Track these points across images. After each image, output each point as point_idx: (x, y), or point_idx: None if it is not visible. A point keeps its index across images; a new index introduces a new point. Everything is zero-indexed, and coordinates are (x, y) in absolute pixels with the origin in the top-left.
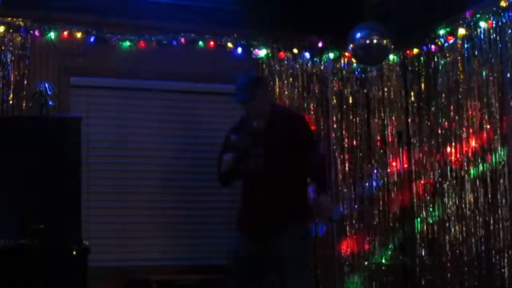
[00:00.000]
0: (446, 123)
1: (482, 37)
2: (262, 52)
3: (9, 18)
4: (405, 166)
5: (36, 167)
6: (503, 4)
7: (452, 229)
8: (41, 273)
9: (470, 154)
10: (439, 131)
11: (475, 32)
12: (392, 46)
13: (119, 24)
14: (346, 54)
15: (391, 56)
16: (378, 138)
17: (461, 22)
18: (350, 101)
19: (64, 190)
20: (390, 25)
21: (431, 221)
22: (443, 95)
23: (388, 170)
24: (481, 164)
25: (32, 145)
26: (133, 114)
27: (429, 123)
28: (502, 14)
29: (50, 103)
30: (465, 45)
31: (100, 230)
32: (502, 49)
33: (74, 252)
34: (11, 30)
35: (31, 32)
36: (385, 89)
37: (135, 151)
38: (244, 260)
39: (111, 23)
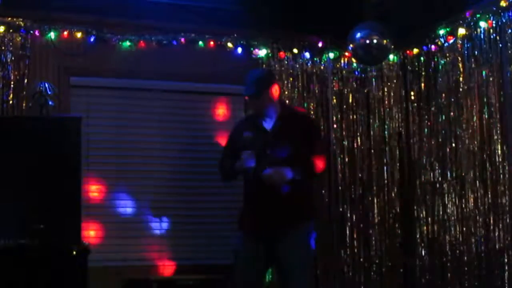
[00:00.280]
0: (446, 123)
1: (482, 37)
2: (262, 52)
3: (9, 18)
4: (405, 166)
5: (36, 167)
6: (503, 4)
7: (452, 229)
8: (41, 273)
9: (470, 154)
10: (439, 131)
11: (475, 32)
12: (392, 46)
13: (119, 24)
14: (346, 54)
15: (391, 56)
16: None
17: (461, 22)
18: (350, 101)
19: (64, 190)
20: (390, 25)
21: (431, 221)
22: (443, 95)
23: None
24: (481, 164)
25: (32, 145)
26: (133, 114)
27: (429, 123)
28: (502, 14)
29: (50, 103)
30: (465, 45)
31: (100, 230)
32: (502, 49)
33: (74, 252)
34: (11, 30)
35: (31, 32)
36: (385, 89)
37: (135, 151)
38: (246, 260)
39: (111, 23)
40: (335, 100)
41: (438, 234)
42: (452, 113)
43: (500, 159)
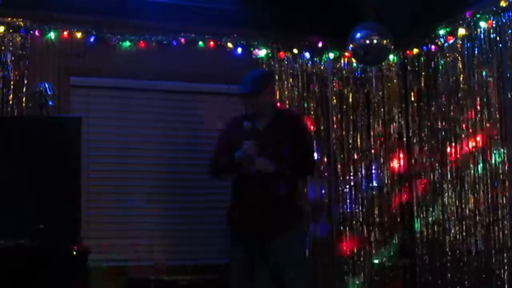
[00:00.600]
0: (446, 123)
1: (482, 37)
2: (262, 52)
3: (9, 18)
4: (405, 166)
5: (36, 167)
6: (503, 4)
7: (452, 229)
8: (41, 273)
9: (470, 154)
10: (439, 131)
11: (475, 32)
12: (392, 46)
13: (119, 24)
14: (346, 54)
15: (391, 56)
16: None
17: (461, 22)
18: (350, 101)
19: (64, 190)
20: (390, 25)
21: (431, 221)
22: (443, 95)
23: (388, 170)
24: (481, 164)
25: (32, 145)
26: (133, 114)
27: (429, 123)
28: (502, 14)
29: (50, 103)
30: (465, 45)
31: (100, 230)
32: (502, 49)
33: (74, 253)
34: (11, 30)
35: (31, 32)
36: (385, 89)
37: (135, 151)
38: (242, 261)
39: (111, 23)
40: (335, 100)
41: (438, 234)
42: (452, 113)
43: (500, 159)
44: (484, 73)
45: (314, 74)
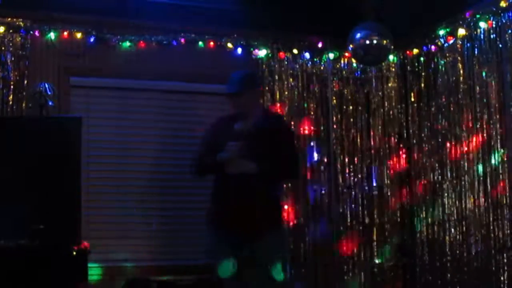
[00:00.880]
0: (446, 123)
1: (482, 37)
2: (262, 52)
3: (9, 18)
4: (405, 166)
5: (36, 167)
6: (503, 4)
7: (452, 229)
8: (41, 273)
9: (470, 154)
10: (439, 131)
11: (475, 32)
12: (392, 46)
13: (119, 24)
14: (346, 54)
15: (391, 56)
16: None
17: (461, 22)
18: (350, 101)
19: (64, 190)
20: (390, 25)
21: (431, 221)
22: (443, 95)
23: (388, 170)
24: (481, 164)
25: (32, 145)
26: (133, 114)
27: (429, 123)
28: (502, 14)
29: (50, 103)
30: (465, 45)
31: (100, 230)
32: (502, 49)
33: (74, 253)
34: (11, 30)
35: (31, 32)
36: (385, 89)
37: (135, 151)
38: (222, 260)
39: (111, 23)
40: (335, 100)
41: (438, 234)
42: (452, 113)
43: (500, 159)
44: (484, 73)
45: (314, 74)
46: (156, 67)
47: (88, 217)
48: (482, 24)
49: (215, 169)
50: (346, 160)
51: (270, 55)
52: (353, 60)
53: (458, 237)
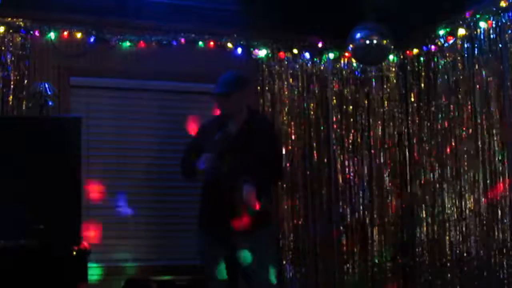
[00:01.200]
0: (446, 123)
1: (482, 37)
2: (262, 52)
3: (9, 18)
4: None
5: (36, 167)
6: (503, 4)
7: (452, 229)
8: (41, 273)
9: (470, 154)
10: (439, 131)
11: (475, 32)
12: (392, 46)
13: (119, 24)
14: (346, 54)
15: (391, 56)
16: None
17: (461, 22)
18: (350, 101)
19: (64, 190)
20: (390, 25)
21: (431, 221)
22: (443, 95)
23: (388, 170)
24: (481, 164)
25: (32, 145)
26: (133, 114)
27: (429, 123)
28: (502, 14)
29: (50, 103)
30: (465, 45)
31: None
32: (502, 49)
33: (74, 253)
34: (11, 30)
35: (31, 32)
36: (385, 89)
37: (135, 151)
38: (212, 260)
39: (111, 23)
40: (335, 100)
41: (438, 234)
42: (452, 113)
43: (500, 159)
44: (484, 73)
45: (314, 74)
46: (156, 67)
47: (88, 217)
48: (482, 24)
49: (193, 174)
50: (346, 160)
51: (270, 55)
52: (353, 60)
53: (458, 237)
